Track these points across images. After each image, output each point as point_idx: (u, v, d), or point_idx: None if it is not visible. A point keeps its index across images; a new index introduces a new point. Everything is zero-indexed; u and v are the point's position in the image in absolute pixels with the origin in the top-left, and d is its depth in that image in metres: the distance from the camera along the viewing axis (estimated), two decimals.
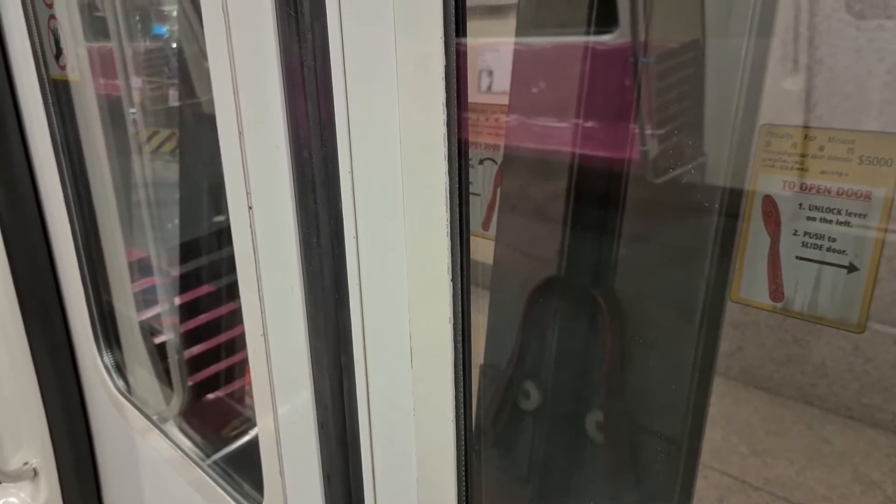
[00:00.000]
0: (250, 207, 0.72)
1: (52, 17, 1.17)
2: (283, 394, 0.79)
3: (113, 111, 1.35)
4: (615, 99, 0.77)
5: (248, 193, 0.72)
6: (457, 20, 0.51)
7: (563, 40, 0.80)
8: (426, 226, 0.57)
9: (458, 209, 0.56)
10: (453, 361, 0.60)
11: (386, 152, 0.57)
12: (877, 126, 0.56)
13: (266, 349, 0.78)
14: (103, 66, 1.32)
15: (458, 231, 0.56)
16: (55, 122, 1.19)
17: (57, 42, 1.18)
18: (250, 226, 0.73)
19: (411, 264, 0.59)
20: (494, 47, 0.84)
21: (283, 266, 0.71)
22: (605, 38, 0.76)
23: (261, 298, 0.76)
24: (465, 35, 0.53)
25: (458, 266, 0.57)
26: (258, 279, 0.75)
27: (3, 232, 1.31)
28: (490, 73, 0.84)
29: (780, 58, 0.64)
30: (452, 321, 0.58)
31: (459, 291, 0.58)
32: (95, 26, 1.29)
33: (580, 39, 0.78)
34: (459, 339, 0.59)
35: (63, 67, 1.20)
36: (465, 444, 0.63)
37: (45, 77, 1.17)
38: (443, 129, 0.53)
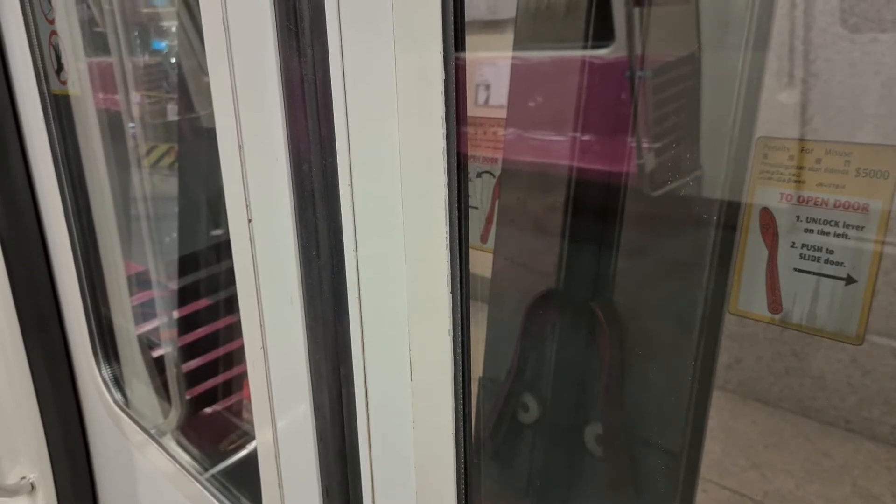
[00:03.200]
0: (250, 220, 0.73)
1: (54, 32, 1.18)
2: (282, 406, 0.79)
3: (112, 125, 1.36)
4: (612, 112, 0.78)
5: (247, 206, 0.72)
6: (455, 34, 0.52)
7: (559, 54, 0.81)
8: (426, 238, 0.57)
9: (457, 222, 0.56)
10: (453, 373, 0.60)
11: (385, 165, 0.58)
12: (872, 139, 0.57)
13: (265, 362, 0.78)
14: (103, 80, 1.33)
15: (458, 244, 0.56)
16: (55, 136, 1.20)
17: (58, 57, 1.19)
18: (250, 238, 0.73)
19: (411, 277, 0.60)
20: (491, 61, 0.85)
21: (283, 278, 0.71)
22: (602, 52, 0.76)
23: (260, 311, 0.76)
24: (463, 49, 0.53)
25: (458, 278, 0.58)
26: (257, 291, 0.75)
27: (2, 245, 1.31)
28: (487, 87, 0.84)
29: (775, 71, 0.65)
30: (452, 333, 0.59)
31: (459, 304, 0.58)
32: (95, 41, 1.30)
33: (577, 54, 0.79)
34: (459, 351, 0.59)
35: (64, 82, 1.20)
36: (465, 456, 0.63)
37: (45, 92, 1.17)
38: (442, 143, 0.53)
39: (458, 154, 0.55)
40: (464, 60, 0.54)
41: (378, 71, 0.56)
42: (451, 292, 0.57)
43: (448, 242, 0.56)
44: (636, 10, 0.73)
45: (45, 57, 1.17)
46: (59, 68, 1.20)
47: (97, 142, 1.30)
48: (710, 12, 0.68)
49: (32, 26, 1.14)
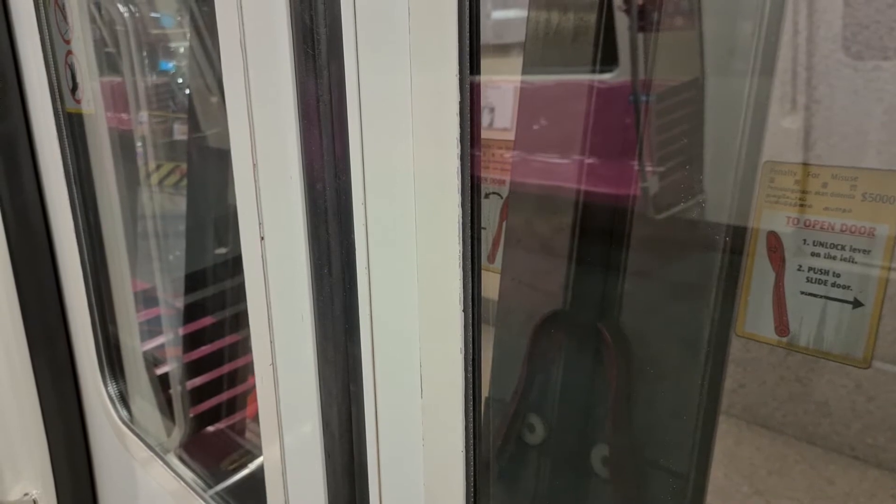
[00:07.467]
0: (262, 237, 0.73)
1: (70, 52, 1.19)
2: (291, 423, 0.79)
3: (122, 144, 1.37)
4: (616, 136, 0.79)
5: (260, 224, 0.73)
6: (471, 57, 0.53)
7: (564, 78, 0.82)
8: (439, 257, 0.58)
9: (470, 241, 0.57)
10: (463, 392, 0.60)
11: (399, 185, 0.59)
12: (875, 165, 0.58)
13: (274, 378, 0.78)
14: (113, 99, 1.34)
15: (471, 263, 0.57)
16: (68, 154, 1.21)
17: (73, 76, 1.21)
18: (262, 255, 0.74)
19: (423, 295, 0.60)
20: (496, 84, 0.86)
21: (294, 295, 0.72)
22: (605, 76, 0.78)
23: (270, 327, 0.76)
24: (478, 72, 0.54)
25: (470, 297, 0.58)
26: (268, 308, 0.76)
27: (12, 261, 1.32)
28: (492, 110, 0.85)
29: (778, 97, 0.66)
30: (463, 352, 0.59)
31: (470, 323, 0.59)
32: (104, 61, 1.32)
33: (581, 78, 0.80)
34: (470, 369, 0.60)
35: (78, 101, 1.22)
36: (474, 475, 0.63)
37: (59, 110, 1.19)
38: (457, 163, 0.54)
39: (472, 175, 0.56)
40: (478, 83, 0.55)
41: (393, 92, 0.57)
42: (464, 311, 0.58)
43: (461, 262, 0.56)
44: (640, 36, 0.74)
45: (60, 76, 1.19)
46: (75, 87, 1.21)
47: (108, 160, 1.32)
48: (715, 38, 0.69)
49: (49, 45, 1.16)
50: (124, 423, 1.31)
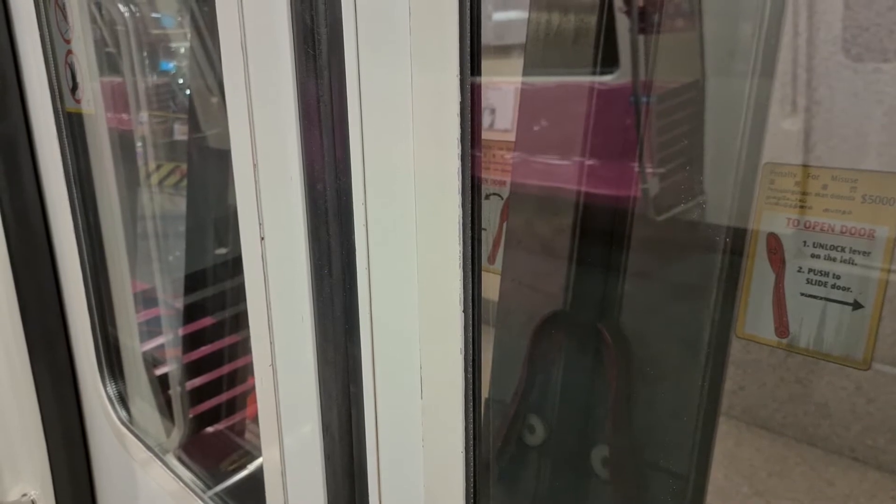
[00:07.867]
0: (262, 238, 0.73)
1: (70, 51, 1.19)
2: (290, 424, 0.79)
3: (122, 144, 1.37)
4: (616, 138, 0.79)
5: (260, 224, 0.73)
6: (472, 58, 0.53)
7: (565, 80, 0.82)
8: (439, 258, 0.58)
9: (470, 242, 0.57)
10: (464, 393, 0.60)
11: (400, 185, 0.59)
12: (875, 167, 0.58)
13: (274, 379, 0.78)
14: (113, 99, 1.34)
15: (471, 263, 0.57)
16: (68, 154, 1.21)
17: (73, 76, 1.21)
18: (262, 256, 0.74)
19: (423, 296, 0.60)
20: (496, 85, 0.86)
21: (294, 296, 0.72)
22: (606, 78, 0.78)
23: (270, 328, 0.76)
24: (479, 73, 0.54)
25: (470, 298, 0.58)
26: (268, 309, 0.76)
27: (12, 261, 1.31)
28: (492, 111, 0.85)
29: (778, 99, 0.66)
30: (463, 353, 0.59)
31: (471, 323, 0.59)
32: (105, 61, 1.32)
33: (582, 79, 0.80)
34: (470, 370, 0.60)
35: (78, 101, 1.22)
36: (474, 476, 0.63)
37: (59, 110, 1.19)
38: (457, 164, 0.54)
39: (473, 175, 0.56)
40: (479, 84, 0.55)
41: (394, 92, 0.57)
42: (464, 311, 0.58)
43: (461, 262, 0.56)
44: (641, 37, 0.74)
45: (60, 75, 1.19)
46: (75, 87, 1.21)
47: (108, 160, 1.32)
48: (715, 40, 0.69)
49: (49, 45, 1.16)
50: (123, 423, 1.31)
